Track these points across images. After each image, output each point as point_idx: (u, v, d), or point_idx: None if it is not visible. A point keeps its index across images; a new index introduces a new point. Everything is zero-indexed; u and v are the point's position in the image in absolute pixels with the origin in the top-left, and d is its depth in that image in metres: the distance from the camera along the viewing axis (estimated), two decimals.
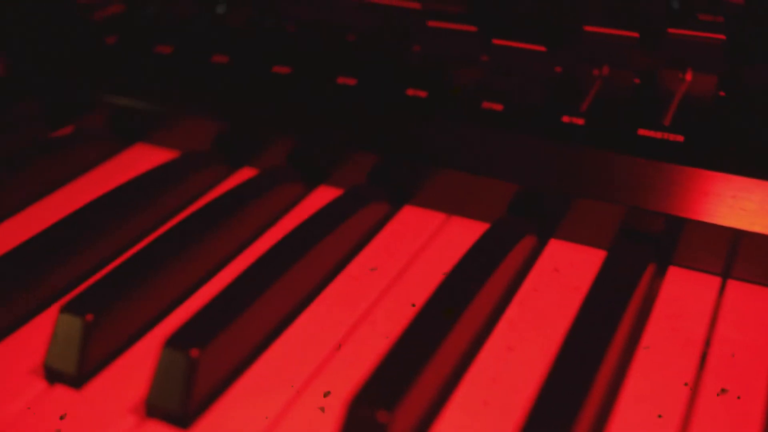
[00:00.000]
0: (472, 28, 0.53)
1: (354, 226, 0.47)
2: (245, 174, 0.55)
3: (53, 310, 0.42)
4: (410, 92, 0.51)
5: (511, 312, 0.42)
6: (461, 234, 0.48)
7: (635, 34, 0.50)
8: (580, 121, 0.47)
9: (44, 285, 0.43)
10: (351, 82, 0.53)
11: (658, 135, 0.46)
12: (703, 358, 0.39)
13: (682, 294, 0.43)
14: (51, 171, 0.53)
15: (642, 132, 0.46)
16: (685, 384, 0.37)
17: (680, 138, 0.45)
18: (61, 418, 0.36)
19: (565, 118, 0.48)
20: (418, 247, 0.47)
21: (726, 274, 0.44)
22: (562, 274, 0.45)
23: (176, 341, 0.36)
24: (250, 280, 0.41)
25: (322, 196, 0.52)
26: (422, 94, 0.51)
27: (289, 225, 0.49)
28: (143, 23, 0.62)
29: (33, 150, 0.53)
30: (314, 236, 0.44)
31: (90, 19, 0.63)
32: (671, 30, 0.50)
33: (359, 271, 0.45)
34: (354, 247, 0.47)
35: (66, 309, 0.38)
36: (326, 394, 0.37)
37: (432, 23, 0.54)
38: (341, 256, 0.46)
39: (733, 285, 0.44)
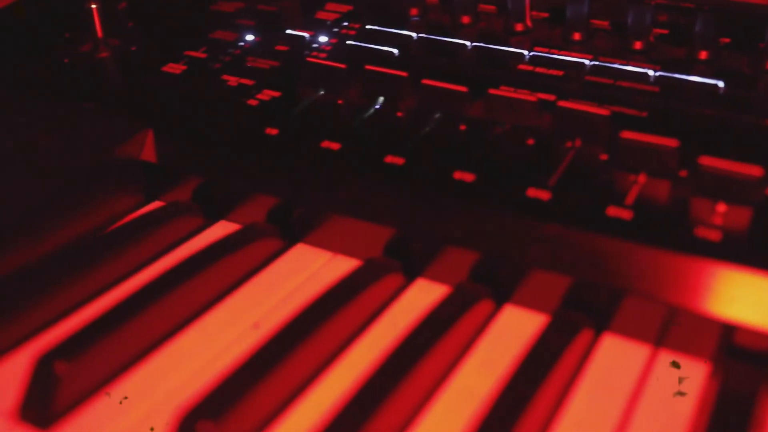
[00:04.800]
0: (672, 143, 0.50)
1: (569, 362, 0.44)
2: (421, 285, 0.52)
3: None
4: (612, 212, 0.48)
5: None
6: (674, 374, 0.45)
7: None
8: None
9: None
10: (543, 196, 0.50)
11: None
12: None
13: None
14: (227, 274, 0.50)
15: None
16: None
17: None
18: None
19: None
20: (632, 390, 0.44)
21: None
22: None
23: None
24: None
25: (513, 316, 0.49)
26: (625, 215, 0.48)
27: (488, 351, 0.46)
28: (303, 112, 0.59)
29: (207, 253, 0.50)
30: (538, 374, 0.41)
31: (244, 103, 0.61)
32: None
33: (582, 417, 0.42)
34: (568, 383, 0.44)
35: None
36: None
37: (626, 134, 0.52)
38: (559, 394, 0.43)
39: None
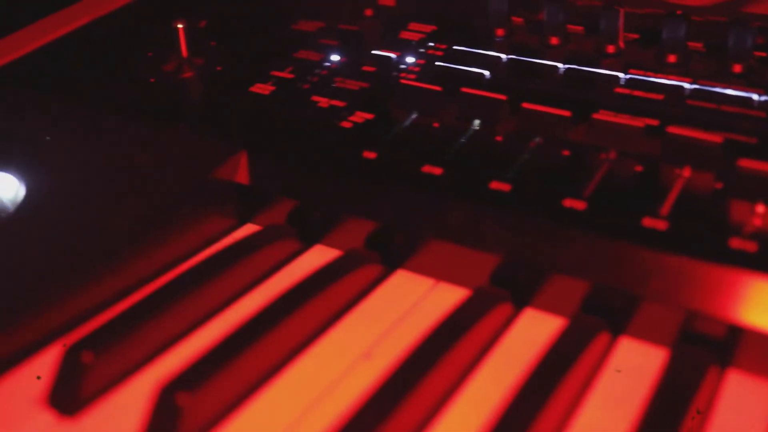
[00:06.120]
0: None
1: (702, 400, 0.42)
2: (531, 316, 0.50)
3: None
4: (735, 243, 0.47)
5: None
6: None
7: None
8: None
9: None
10: (660, 225, 0.49)
11: None
12: None
13: None
14: (333, 302, 0.49)
15: None
16: None
17: None
18: None
19: None
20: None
21: None
22: None
23: None
24: None
25: (630, 349, 0.47)
26: (749, 247, 0.46)
27: (613, 385, 0.44)
28: (400, 136, 0.59)
29: (314, 281, 0.49)
30: (674, 414, 0.39)
31: (338, 125, 0.60)
32: None
33: None
34: (701, 423, 0.42)
35: None
36: None
37: (744, 162, 0.50)
38: None
39: None
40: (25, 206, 0.56)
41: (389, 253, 0.55)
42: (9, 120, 0.65)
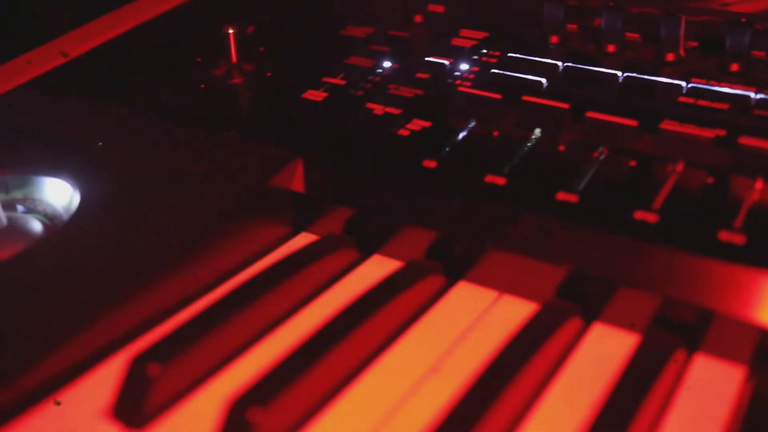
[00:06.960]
0: None
1: None
2: (601, 331, 0.49)
3: None
4: None
5: None
6: None
7: None
8: None
9: None
10: (737, 240, 0.47)
11: None
12: None
13: None
14: (399, 314, 0.48)
15: None
16: None
17: None
18: None
19: None
20: None
21: None
22: None
23: None
24: None
25: (706, 367, 0.46)
26: None
27: (692, 406, 0.43)
28: (459, 144, 0.57)
29: (378, 293, 0.48)
30: None
31: (395, 133, 0.59)
32: None
33: None
34: None
35: None
36: None
37: None
38: None
39: None
40: (79, 213, 0.56)
41: (451, 264, 0.54)
42: (61, 126, 0.65)
